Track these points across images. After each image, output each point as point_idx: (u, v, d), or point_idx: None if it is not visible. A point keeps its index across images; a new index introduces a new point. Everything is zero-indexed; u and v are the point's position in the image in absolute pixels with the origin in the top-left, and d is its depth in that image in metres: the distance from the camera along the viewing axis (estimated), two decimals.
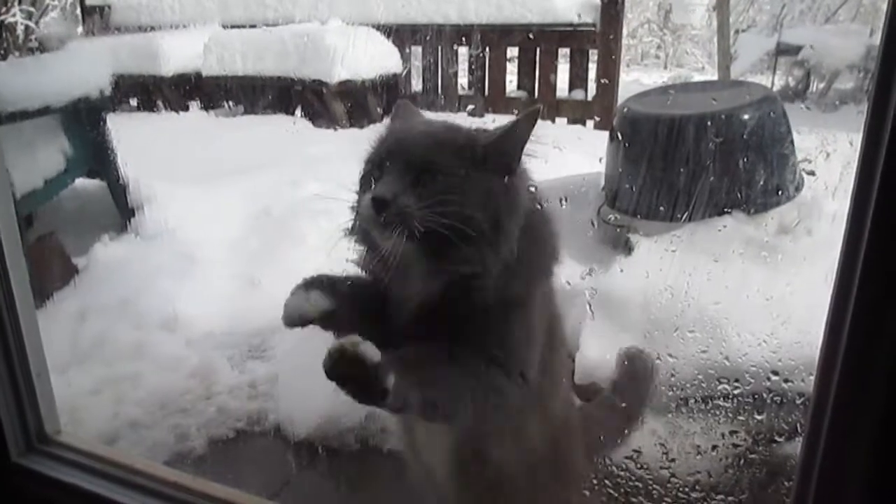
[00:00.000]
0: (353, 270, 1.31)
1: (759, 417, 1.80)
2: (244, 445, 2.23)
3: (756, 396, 1.84)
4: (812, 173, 2.14)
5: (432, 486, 1.45)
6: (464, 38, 6.28)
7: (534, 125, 1.20)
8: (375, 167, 1.23)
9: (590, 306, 2.17)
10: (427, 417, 1.22)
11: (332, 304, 1.21)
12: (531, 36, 6.09)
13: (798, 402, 1.74)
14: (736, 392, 1.86)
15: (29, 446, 1.39)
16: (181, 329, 2.77)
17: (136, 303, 2.85)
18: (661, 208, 2.50)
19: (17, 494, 1.37)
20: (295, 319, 1.20)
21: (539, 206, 1.29)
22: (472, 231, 1.13)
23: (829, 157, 1.93)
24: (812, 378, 0.80)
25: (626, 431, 1.74)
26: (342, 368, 1.09)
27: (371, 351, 1.08)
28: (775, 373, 1.83)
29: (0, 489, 1.37)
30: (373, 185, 1.19)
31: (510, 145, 1.21)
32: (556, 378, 1.44)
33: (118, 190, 3.53)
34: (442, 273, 1.18)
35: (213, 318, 2.84)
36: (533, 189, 1.29)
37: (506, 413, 1.28)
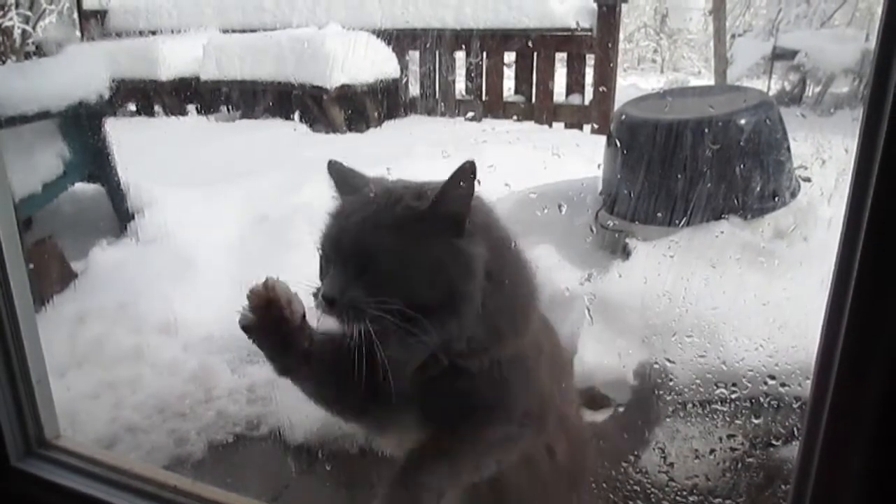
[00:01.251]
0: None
1: (756, 421, 1.80)
2: (243, 450, 2.24)
3: (753, 401, 1.84)
4: (808, 179, 2.15)
5: None
6: (462, 44, 6.29)
7: (471, 180, 1.15)
8: (325, 255, 1.22)
9: (588, 311, 2.17)
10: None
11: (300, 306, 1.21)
12: (529, 41, 6.11)
13: (795, 406, 1.75)
14: (733, 396, 1.86)
15: (28, 450, 1.39)
16: (180, 333, 2.77)
17: (135, 307, 2.85)
18: (659, 213, 2.51)
19: (17, 499, 1.38)
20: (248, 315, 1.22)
21: (507, 250, 1.26)
22: (428, 305, 1.12)
23: (824, 163, 1.94)
24: (808, 382, 0.80)
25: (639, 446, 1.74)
26: (259, 313, 1.16)
27: (286, 290, 1.15)
28: (772, 377, 1.84)
29: (0, 493, 1.37)
30: (326, 275, 1.18)
31: (448, 207, 1.15)
32: (565, 405, 1.44)
33: (116, 194, 3.53)
34: (411, 347, 1.16)
35: (211, 322, 2.84)
36: (499, 234, 1.26)
37: (518, 450, 1.29)
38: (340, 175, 1.32)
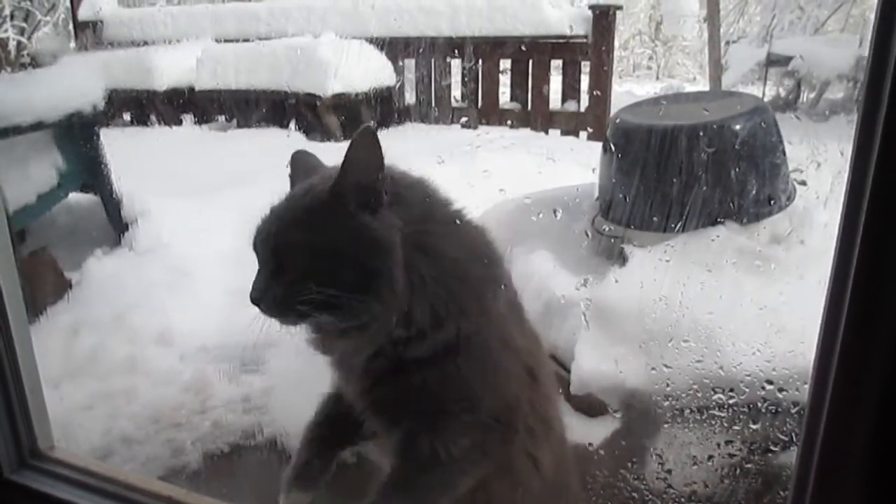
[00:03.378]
0: None
1: (754, 427, 1.79)
2: (239, 460, 2.22)
3: (751, 406, 1.83)
4: (804, 183, 2.14)
5: None
6: (456, 51, 6.30)
7: (373, 149, 1.10)
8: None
9: (585, 317, 2.17)
10: None
11: (313, 490, 1.32)
12: (523, 48, 6.12)
13: (793, 411, 1.73)
14: (731, 402, 1.85)
15: (21, 462, 1.38)
16: (175, 343, 2.76)
17: (130, 317, 2.84)
18: (655, 219, 2.50)
19: None
20: None
21: (446, 223, 1.21)
22: (347, 289, 1.10)
23: (819, 166, 1.94)
24: (806, 387, 0.80)
25: None
26: None
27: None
28: (770, 382, 1.83)
29: None
30: None
31: (354, 181, 1.11)
32: (544, 415, 1.36)
33: (111, 204, 3.53)
34: (346, 335, 1.17)
35: (207, 332, 2.83)
36: (436, 207, 1.22)
37: (494, 457, 1.25)
38: (299, 166, 1.37)
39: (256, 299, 1.16)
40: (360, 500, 1.24)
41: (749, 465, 1.77)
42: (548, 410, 1.36)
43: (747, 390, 1.88)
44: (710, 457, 1.80)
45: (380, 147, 1.11)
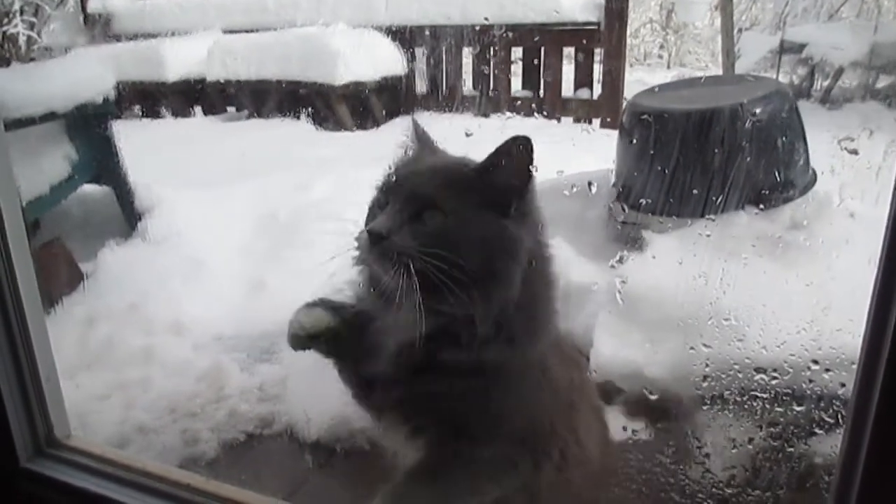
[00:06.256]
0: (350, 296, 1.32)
1: (798, 409, 1.72)
2: (255, 448, 2.21)
3: (795, 387, 1.77)
4: (855, 152, 2.09)
5: None
6: (468, 40, 6.27)
7: (523, 154, 1.13)
8: (381, 197, 1.21)
9: (619, 294, 2.12)
10: None
11: (336, 321, 1.24)
12: (535, 36, 6.07)
13: (840, 392, 1.67)
14: (774, 382, 1.79)
15: (38, 451, 1.37)
16: (189, 333, 2.75)
17: (144, 307, 2.84)
18: (679, 203, 2.45)
19: (27, 499, 1.35)
20: (301, 337, 1.24)
21: (546, 245, 1.24)
22: (464, 274, 1.09)
23: (872, 134, 1.88)
24: (855, 367, 0.77)
25: None
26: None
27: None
28: (815, 362, 1.77)
29: (10, 494, 1.35)
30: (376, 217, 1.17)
31: (498, 178, 1.14)
32: (581, 441, 1.35)
33: (124, 195, 3.51)
34: (431, 311, 1.12)
35: (221, 322, 2.82)
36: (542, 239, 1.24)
37: (523, 472, 1.24)
38: (417, 135, 1.37)
39: (379, 234, 1.11)
40: (373, 484, 1.23)
41: (792, 449, 1.71)
42: (584, 437, 1.35)
43: (791, 370, 1.82)
44: (751, 439, 1.75)
45: (533, 158, 1.14)
